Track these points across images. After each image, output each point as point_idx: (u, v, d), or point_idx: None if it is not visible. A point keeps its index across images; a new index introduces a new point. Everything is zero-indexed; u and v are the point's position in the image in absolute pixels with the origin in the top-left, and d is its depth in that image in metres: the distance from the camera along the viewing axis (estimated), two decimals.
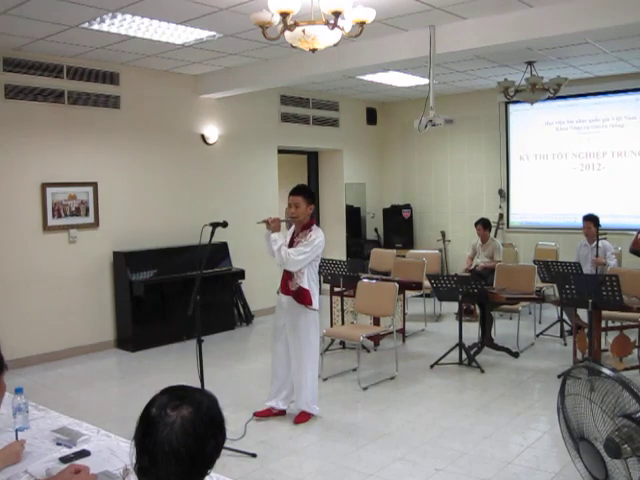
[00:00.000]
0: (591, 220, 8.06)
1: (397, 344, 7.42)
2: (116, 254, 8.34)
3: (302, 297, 5.43)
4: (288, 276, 5.46)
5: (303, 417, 5.62)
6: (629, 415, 2.76)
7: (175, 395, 1.82)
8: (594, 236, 7.90)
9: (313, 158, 12.27)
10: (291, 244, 5.39)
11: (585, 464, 3.08)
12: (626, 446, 2.72)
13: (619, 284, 6.07)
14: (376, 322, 7.88)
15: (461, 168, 11.84)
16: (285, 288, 5.51)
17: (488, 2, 6.06)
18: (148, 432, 1.76)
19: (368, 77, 9.78)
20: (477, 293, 7.16)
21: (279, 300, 5.62)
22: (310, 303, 5.45)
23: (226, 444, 4.97)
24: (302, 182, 12.21)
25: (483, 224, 9.50)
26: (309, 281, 5.44)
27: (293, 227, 5.55)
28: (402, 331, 8.41)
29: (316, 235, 5.40)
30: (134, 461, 1.79)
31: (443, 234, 11.93)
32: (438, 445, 5.07)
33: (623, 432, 2.74)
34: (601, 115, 10.38)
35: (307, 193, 5.47)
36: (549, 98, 9.00)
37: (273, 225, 5.24)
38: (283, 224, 5.45)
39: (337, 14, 4.45)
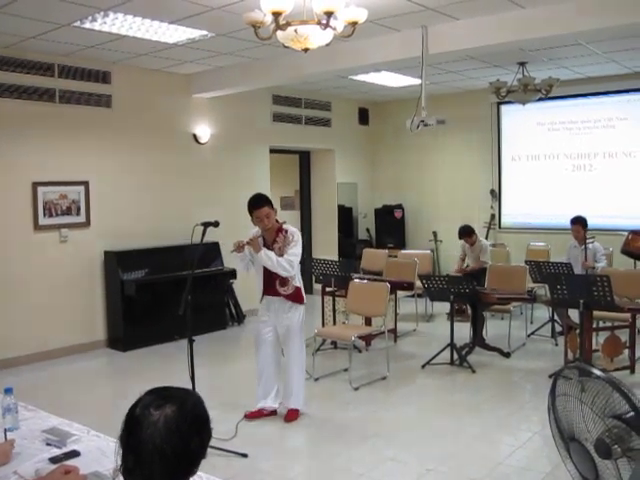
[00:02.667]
0: (579, 222, 8.06)
1: (389, 344, 7.43)
2: (107, 253, 8.31)
3: (299, 297, 5.54)
4: (281, 281, 5.46)
5: (293, 415, 5.63)
6: (619, 416, 2.77)
7: (159, 395, 1.83)
8: (583, 239, 7.93)
9: (305, 158, 12.25)
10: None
11: (575, 464, 3.09)
12: (616, 447, 2.72)
13: (610, 285, 6.09)
14: (368, 322, 7.88)
15: (453, 168, 11.85)
16: (275, 291, 5.51)
17: (480, 3, 6.07)
18: (132, 432, 1.77)
19: (360, 77, 9.78)
20: (469, 293, 7.17)
21: (267, 303, 5.61)
22: (303, 299, 5.57)
23: (217, 444, 4.96)
24: (294, 182, 12.27)
25: (467, 234, 9.27)
26: (298, 278, 5.55)
27: (261, 238, 5.43)
28: (394, 331, 8.41)
29: (297, 234, 5.45)
30: (119, 462, 1.79)
31: (435, 234, 11.95)
32: (429, 445, 5.07)
33: (613, 433, 2.74)
34: (592, 116, 10.41)
35: (269, 201, 5.45)
36: (541, 99, 9.02)
37: (254, 246, 5.25)
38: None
39: (329, 14, 4.44)
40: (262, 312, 5.70)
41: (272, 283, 5.49)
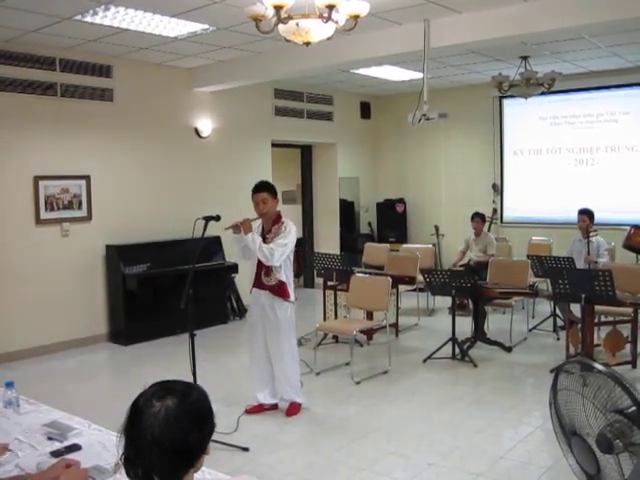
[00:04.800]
0: (586, 214, 8.05)
1: (390, 338, 7.42)
2: (109, 247, 8.31)
3: (281, 290, 5.47)
4: (266, 271, 5.46)
5: (294, 408, 5.65)
6: (621, 410, 2.76)
7: (162, 386, 1.85)
8: (587, 229, 7.90)
9: (307, 152, 12.25)
10: (263, 241, 5.37)
11: (577, 459, 3.08)
12: (618, 441, 2.71)
13: (612, 279, 6.07)
14: (369, 316, 7.88)
15: (455, 162, 11.83)
16: (261, 284, 5.52)
17: None
18: (134, 422, 1.79)
19: (362, 71, 9.76)
20: (470, 288, 7.16)
21: (254, 296, 5.63)
22: (289, 296, 5.50)
23: (218, 438, 4.95)
24: (296, 176, 12.27)
25: (481, 217, 9.59)
26: (286, 273, 5.49)
27: (260, 226, 5.52)
28: (395, 325, 8.41)
29: (290, 226, 5.44)
30: (121, 452, 1.81)
31: (437, 228, 11.94)
32: (430, 439, 5.07)
33: (615, 427, 2.74)
34: (595, 110, 10.38)
35: (271, 188, 5.49)
36: (543, 93, 8.99)
37: (244, 227, 5.22)
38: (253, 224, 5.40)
39: (331, 7, 4.43)
40: (251, 306, 5.73)
41: (259, 273, 5.51)
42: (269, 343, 5.59)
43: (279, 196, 5.67)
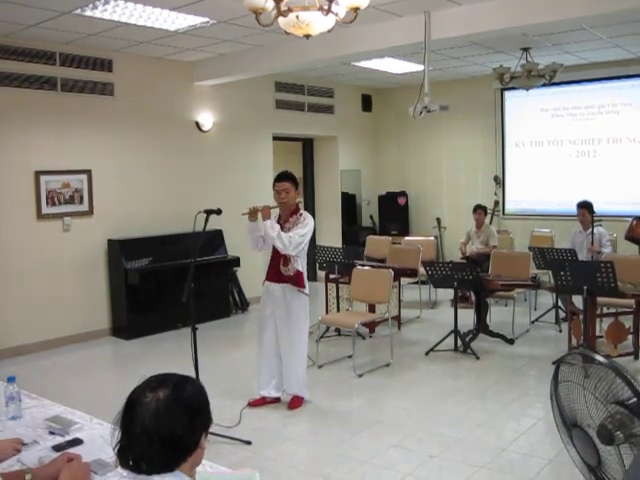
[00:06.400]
0: (585, 207, 8.05)
1: (392, 331, 7.40)
2: (111, 242, 8.32)
3: (298, 280, 5.49)
4: (284, 261, 5.47)
5: (297, 402, 5.65)
6: (622, 402, 2.76)
7: (157, 379, 1.88)
8: (589, 223, 7.91)
9: (308, 145, 12.23)
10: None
11: (578, 450, 3.09)
12: (619, 433, 2.72)
13: (614, 271, 6.07)
14: (371, 309, 7.89)
15: (457, 155, 11.82)
16: (277, 275, 5.53)
17: None
18: (128, 412, 1.83)
19: (363, 63, 9.74)
20: (472, 280, 7.16)
21: (267, 289, 5.63)
22: (304, 286, 5.52)
23: (221, 431, 4.97)
24: (297, 169, 12.25)
25: (483, 209, 9.65)
26: (302, 264, 5.52)
27: (277, 215, 5.57)
28: (397, 318, 8.41)
29: (309, 218, 5.48)
30: (115, 441, 1.84)
31: (438, 221, 11.94)
32: (433, 432, 5.08)
33: (616, 419, 2.74)
34: (597, 102, 10.36)
35: (293, 179, 5.54)
36: (544, 84, 8.98)
37: (264, 212, 5.27)
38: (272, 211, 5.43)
39: (331, 0, 4.41)
40: (263, 299, 5.72)
41: (277, 264, 5.51)
42: (280, 336, 5.60)
43: None
